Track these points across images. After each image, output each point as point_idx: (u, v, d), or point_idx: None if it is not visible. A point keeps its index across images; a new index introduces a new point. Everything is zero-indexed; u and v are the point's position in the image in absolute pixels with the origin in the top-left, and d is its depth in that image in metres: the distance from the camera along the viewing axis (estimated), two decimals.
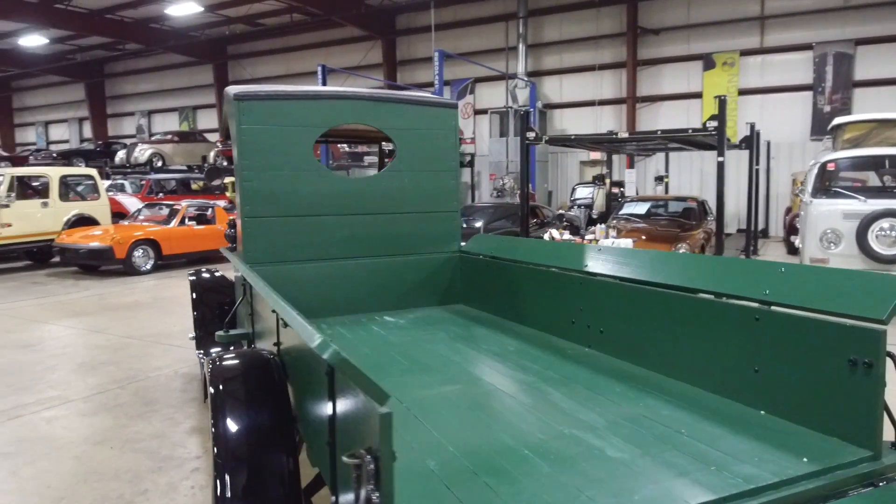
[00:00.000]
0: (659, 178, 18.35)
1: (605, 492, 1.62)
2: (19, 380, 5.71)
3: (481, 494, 1.61)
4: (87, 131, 32.10)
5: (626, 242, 8.49)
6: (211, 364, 2.30)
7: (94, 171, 14.65)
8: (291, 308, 1.84)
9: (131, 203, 17.40)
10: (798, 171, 14.90)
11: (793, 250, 11.95)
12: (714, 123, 8.46)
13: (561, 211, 16.53)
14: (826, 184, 8.53)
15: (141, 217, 13.75)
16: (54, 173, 13.45)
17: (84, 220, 13.33)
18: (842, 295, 1.90)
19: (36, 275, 12.40)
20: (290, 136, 3.78)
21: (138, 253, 12.02)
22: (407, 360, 2.88)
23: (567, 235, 9.02)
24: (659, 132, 8.96)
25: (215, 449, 2.00)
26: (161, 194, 19.40)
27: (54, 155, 25.78)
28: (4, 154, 28.28)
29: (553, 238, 8.97)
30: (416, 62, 23.10)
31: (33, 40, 24.34)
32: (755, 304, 2.14)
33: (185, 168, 21.64)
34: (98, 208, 13.83)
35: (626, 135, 9.10)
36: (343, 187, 3.98)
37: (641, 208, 11.56)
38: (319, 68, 15.08)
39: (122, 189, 20.03)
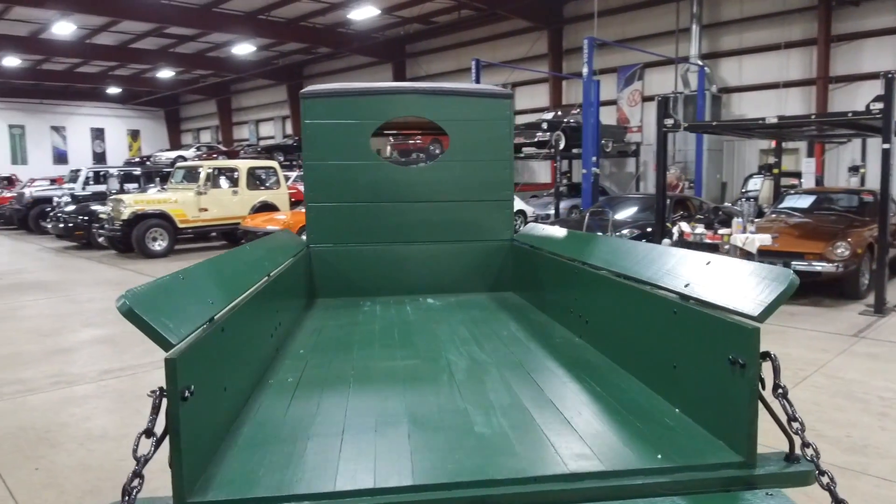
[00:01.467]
0: (854, 169, 16.22)
1: (427, 456, 1.71)
2: (151, 346, 6.81)
3: (326, 447, 1.78)
4: (290, 128, 35.95)
5: (763, 238, 7.79)
6: None
7: (276, 164, 16.53)
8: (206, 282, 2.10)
9: None
10: None
11: None
12: (879, 105, 7.45)
13: (727, 203, 15.31)
14: None
15: None
16: (243, 165, 15.42)
17: (267, 207, 15.14)
18: (740, 289, 1.77)
19: None
20: (350, 129, 4.14)
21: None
22: (399, 337, 3.07)
23: (700, 229, 8.45)
24: (812, 116, 8.06)
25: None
26: None
27: (259, 150, 29.41)
28: (223, 149, 32.92)
29: (682, 232, 8.49)
30: (581, 51, 22.61)
31: (243, 48, 27.86)
32: (676, 297, 2.04)
33: None
34: (279, 196, 15.60)
35: (774, 120, 8.28)
36: (398, 176, 4.26)
37: (805, 201, 10.39)
38: (473, 63, 15.43)
39: None
